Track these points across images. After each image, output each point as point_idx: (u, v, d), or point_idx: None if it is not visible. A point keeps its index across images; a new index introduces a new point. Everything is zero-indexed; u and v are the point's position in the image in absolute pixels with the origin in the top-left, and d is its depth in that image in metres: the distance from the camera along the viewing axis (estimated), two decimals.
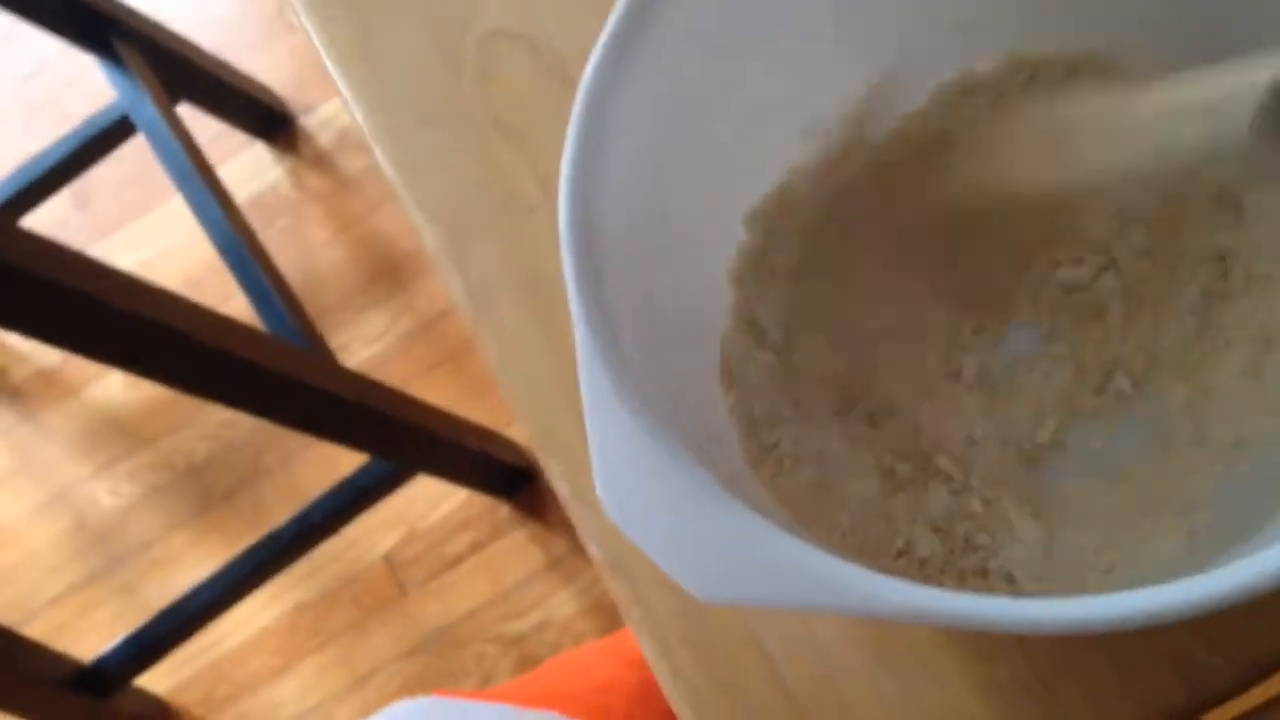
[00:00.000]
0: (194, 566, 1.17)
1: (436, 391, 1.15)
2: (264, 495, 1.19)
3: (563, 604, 1.09)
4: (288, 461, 1.19)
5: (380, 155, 0.45)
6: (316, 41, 0.47)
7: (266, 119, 1.32)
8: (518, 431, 1.10)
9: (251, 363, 0.85)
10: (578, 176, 0.29)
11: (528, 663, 1.07)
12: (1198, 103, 0.27)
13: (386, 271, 1.24)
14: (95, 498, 1.23)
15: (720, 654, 0.36)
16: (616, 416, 0.26)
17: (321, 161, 1.31)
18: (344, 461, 1.10)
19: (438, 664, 1.10)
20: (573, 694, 0.53)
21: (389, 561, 1.15)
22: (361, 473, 1.07)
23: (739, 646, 0.36)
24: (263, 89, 1.32)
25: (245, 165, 1.32)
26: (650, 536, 0.26)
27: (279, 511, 1.14)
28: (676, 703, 0.36)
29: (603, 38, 0.31)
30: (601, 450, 0.27)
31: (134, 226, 1.32)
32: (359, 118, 0.46)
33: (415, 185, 0.44)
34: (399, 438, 0.99)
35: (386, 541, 1.15)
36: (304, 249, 1.27)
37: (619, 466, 0.27)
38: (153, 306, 0.80)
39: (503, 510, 1.12)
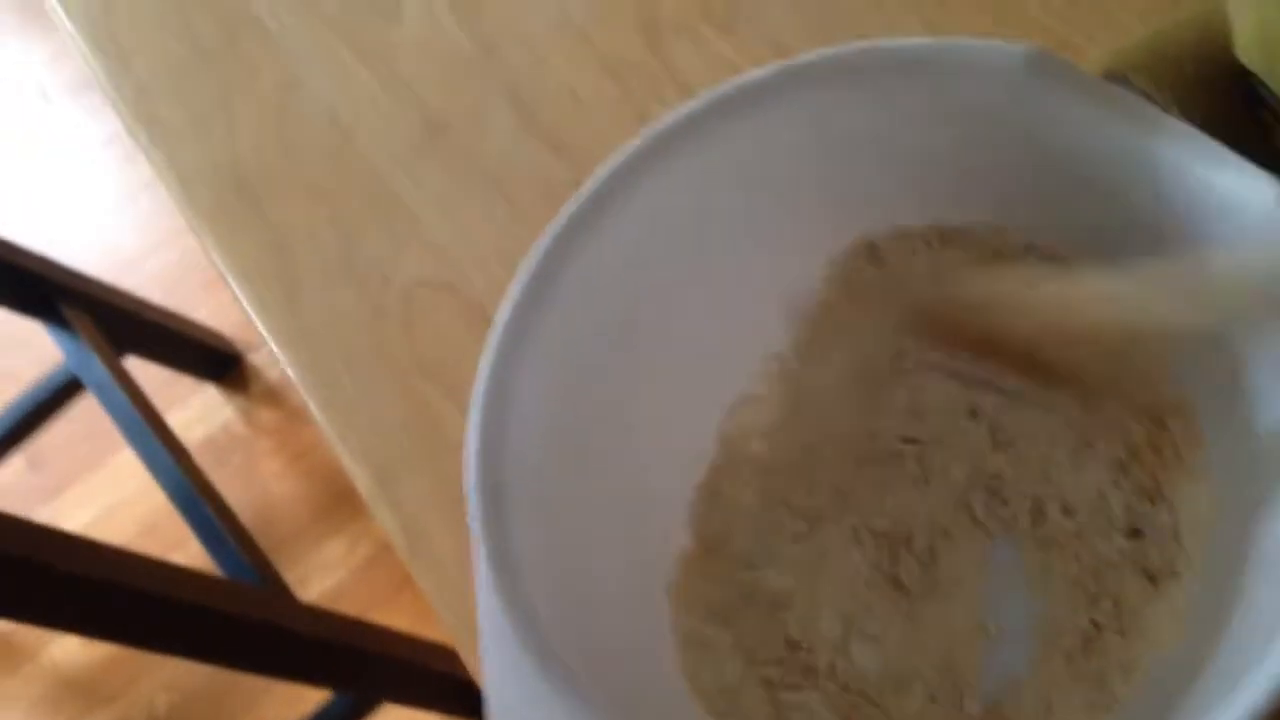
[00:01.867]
0: None
1: (402, 613, 1.14)
2: None
3: None
4: (251, 704, 1.17)
5: (311, 403, 0.47)
6: (245, 304, 0.49)
7: (215, 361, 1.35)
8: None
9: (206, 610, 0.85)
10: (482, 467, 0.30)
11: None
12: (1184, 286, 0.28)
13: (342, 496, 1.25)
14: None
15: None
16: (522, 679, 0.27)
17: (271, 395, 1.33)
18: (308, 698, 1.07)
19: None
20: None
21: None
22: (327, 709, 1.05)
23: None
24: (209, 333, 1.35)
25: (196, 408, 1.33)
26: None
27: None
28: None
29: (512, 291, 0.33)
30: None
31: (88, 481, 1.32)
32: (290, 372, 0.48)
33: (342, 428, 0.46)
34: (358, 669, 0.98)
35: None
36: (258, 484, 1.28)
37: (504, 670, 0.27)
38: (100, 566, 0.80)
39: None
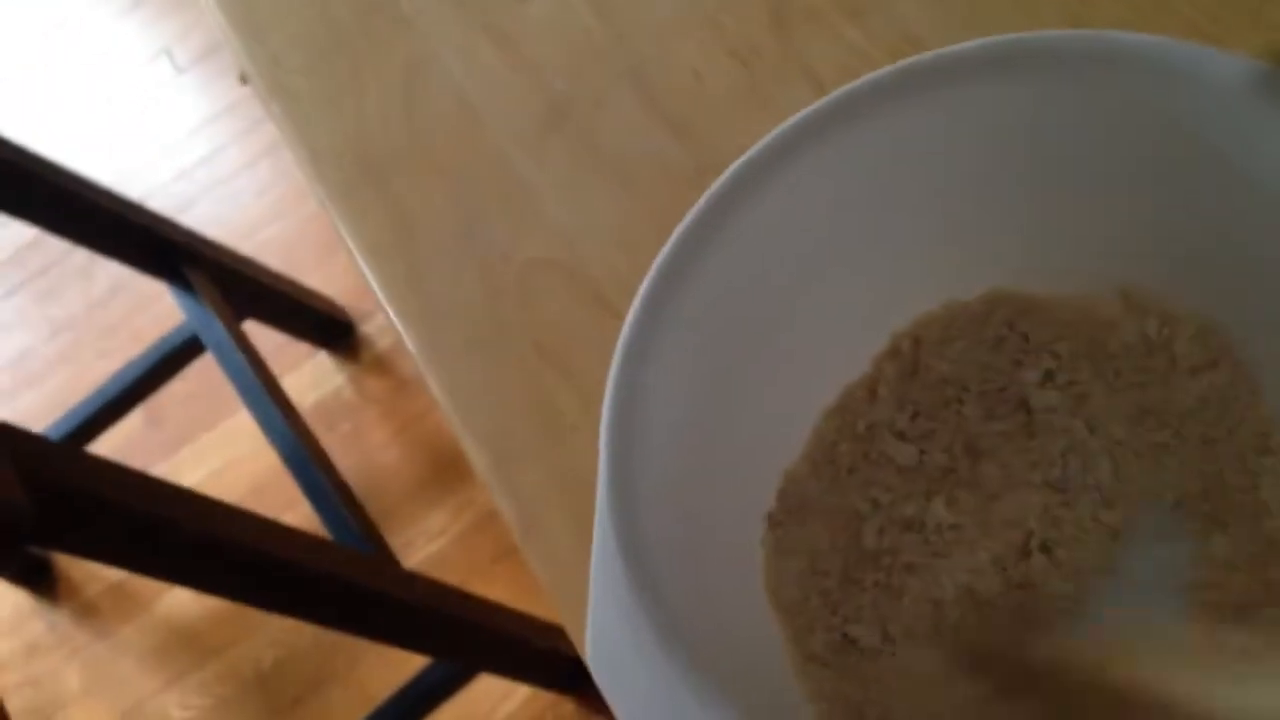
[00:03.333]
0: None
1: (500, 585, 1.16)
2: (331, 701, 1.19)
3: None
4: (353, 664, 1.20)
5: (432, 382, 0.48)
6: (371, 280, 0.50)
7: (328, 328, 1.38)
8: None
9: (314, 573, 0.87)
10: (617, 429, 0.30)
11: None
12: None
13: (447, 467, 1.27)
14: (165, 712, 1.24)
15: None
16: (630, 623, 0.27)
17: (380, 365, 1.35)
18: (410, 662, 1.10)
19: None
20: None
21: None
22: (427, 674, 1.07)
23: None
24: (324, 300, 1.38)
25: (308, 374, 1.37)
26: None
27: (347, 717, 1.14)
28: None
29: (649, 278, 0.33)
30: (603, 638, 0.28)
31: (203, 440, 1.37)
32: (410, 346, 0.48)
33: (463, 409, 0.46)
34: (463, 639, 0.99)
35: None
36: (366, 451, 1.31)
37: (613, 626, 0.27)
38: (214, 523, 0.82)
39: (567, 705, 1.12)
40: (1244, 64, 0.27)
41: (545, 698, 1.12)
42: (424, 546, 1.24)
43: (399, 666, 1.13)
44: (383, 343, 1.36)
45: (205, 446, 1.36)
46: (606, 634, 0.29)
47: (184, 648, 1.27)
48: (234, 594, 0.88)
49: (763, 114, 0.47)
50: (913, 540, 0.34)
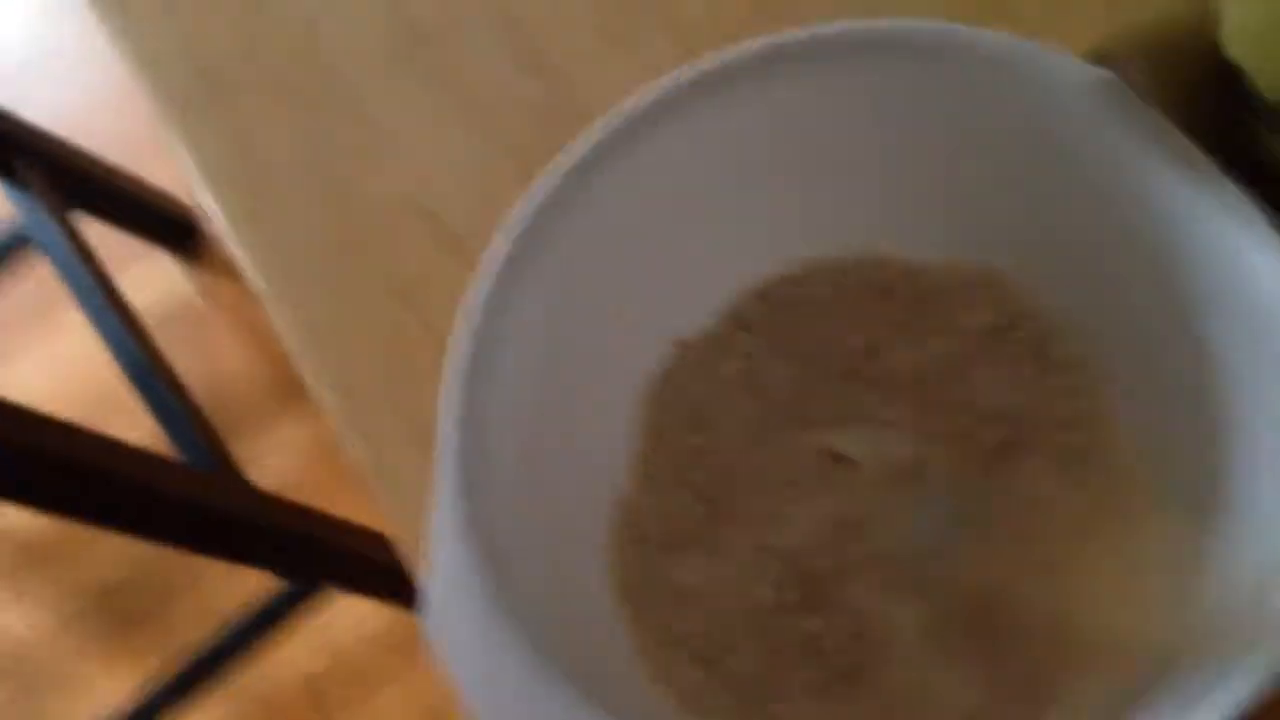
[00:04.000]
0: (109, 693, 1.14)
1: (356, 504, 1.14)
2: (178, 616, 1.17)
3: None
4: (200, 580, 1.17)
5: (276, 318, 0.46)
6: (212, 206, 0.48)
7: (171, 228, 1.32)
8: None
9: (153, 492, 0.84)
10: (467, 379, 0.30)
11: None
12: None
13: (299, 379, 1.24)
14: (5, 625, 1.20)
15: None
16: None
17: (229, 269, 1.31)
18: (260, 578, 1.08)
19: None
20: None
21: (309, 682, 1.13)
22: (278, 593, 1.06)
23: None
24: (167, 198, 1.32)
25: (151, 277, 1.31)
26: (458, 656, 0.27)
27: (194, 632, 1.12)
28: None
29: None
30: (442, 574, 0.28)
31: (35, 348, 1.30)
32: (254, 279, 0.46)
33: (310, 347, 0.45)
34: (314, 558, 0.98)
35: (306, 661, 1.13)
36: (214, 360, 1.26)
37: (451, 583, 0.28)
38: (41, 438, 0.79)
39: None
40: (1077, 66, 0.29)
41: (407, 618, 1.12)
42: (276, 460, 1.21)
43: (249, 582, 1.11)
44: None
45: (39, 355, 1.30)
46: (444, 599, 0.28)
47: (24, 560, 1.22)
48: (66, 513, 0.85)
49: (628, 56, 0.46)
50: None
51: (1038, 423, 0.33)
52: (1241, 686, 0.23)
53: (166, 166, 1.33)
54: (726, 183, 0.33)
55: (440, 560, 0.29)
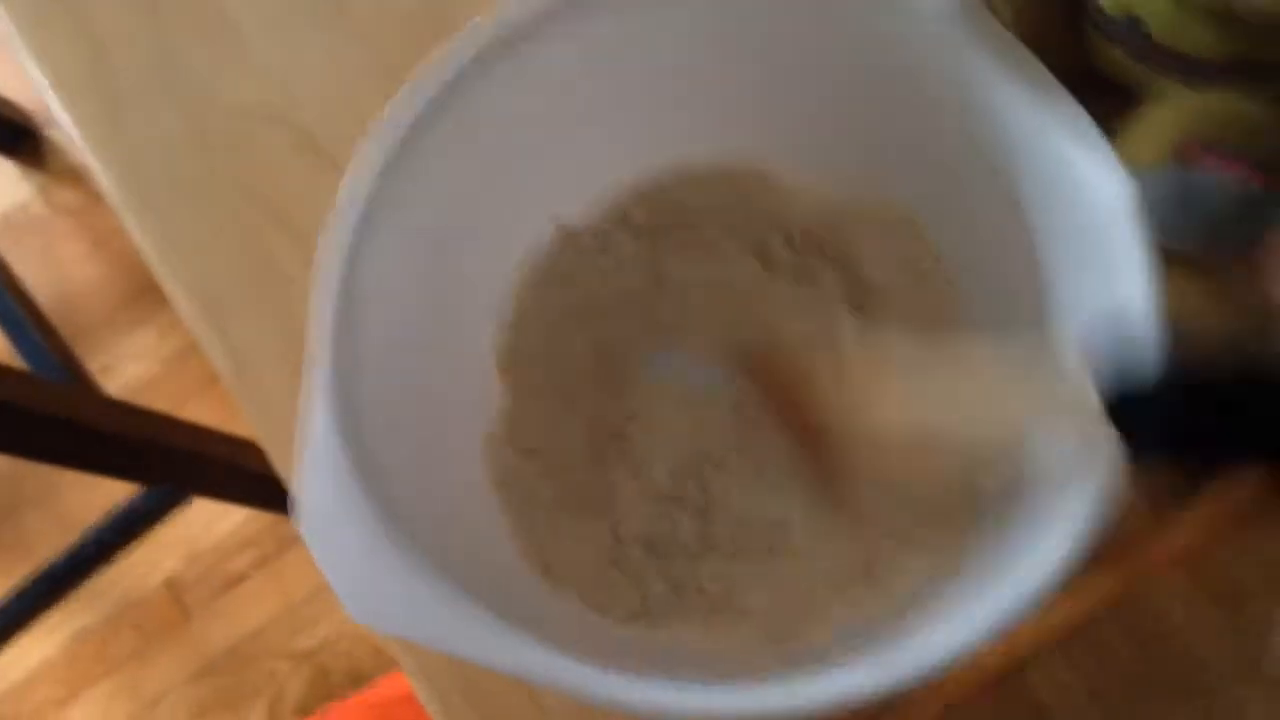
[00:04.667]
0: None
1: (214, 406, 1.13)
2: (31, 526, 1.15)
3: None
4: (52, 489, 1.15)
5: (132, 227, 0.46)
6: (59, 112, 0.47)
7: (10, 133, 1.26)
8: None
9: (2, 403, 0.82)
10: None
11: (320, 676, 1.08)
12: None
13: (152, 285, 1.21)
14: None
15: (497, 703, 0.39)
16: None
17: (72, 175, 1.26)
18: (116, 487, 1.07)
19: (227, 684, 1.10)
20: None
21: (170, 585, 1.13)
22: (134, 499, 1.05)
23: (513, 692, 0.39)
24: (5, 103, 1.26)
25: None
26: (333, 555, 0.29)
27: (49, 542, 1.11)
28: None
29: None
30: (313, 463, 0.30)
31: None
32: (110, 189, 0.46)
33: (168, 256, 0.45)
34: (169, 464, 0.97)
35: (166, 564, 1.13)
36: (60, 268, 1.23)
37: (324, 487, 0.30)
38: None
39: (286, 524, 1.12)
40: None
41: (264, 517, 1.12)
42: (128, 368, 1.19)
43: (103, 490, 1.10)
44: (74, 150, 1.26)
45: None
46: (318, 501, 0.30)
47: None
48: None
49: None
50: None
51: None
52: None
53: (3, 68, 1.27)
54: (607, 85, 0.35)
55: (313, 464, 0.30)
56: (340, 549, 0.29)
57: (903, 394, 0.31)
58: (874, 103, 0.35)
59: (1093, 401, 0.26)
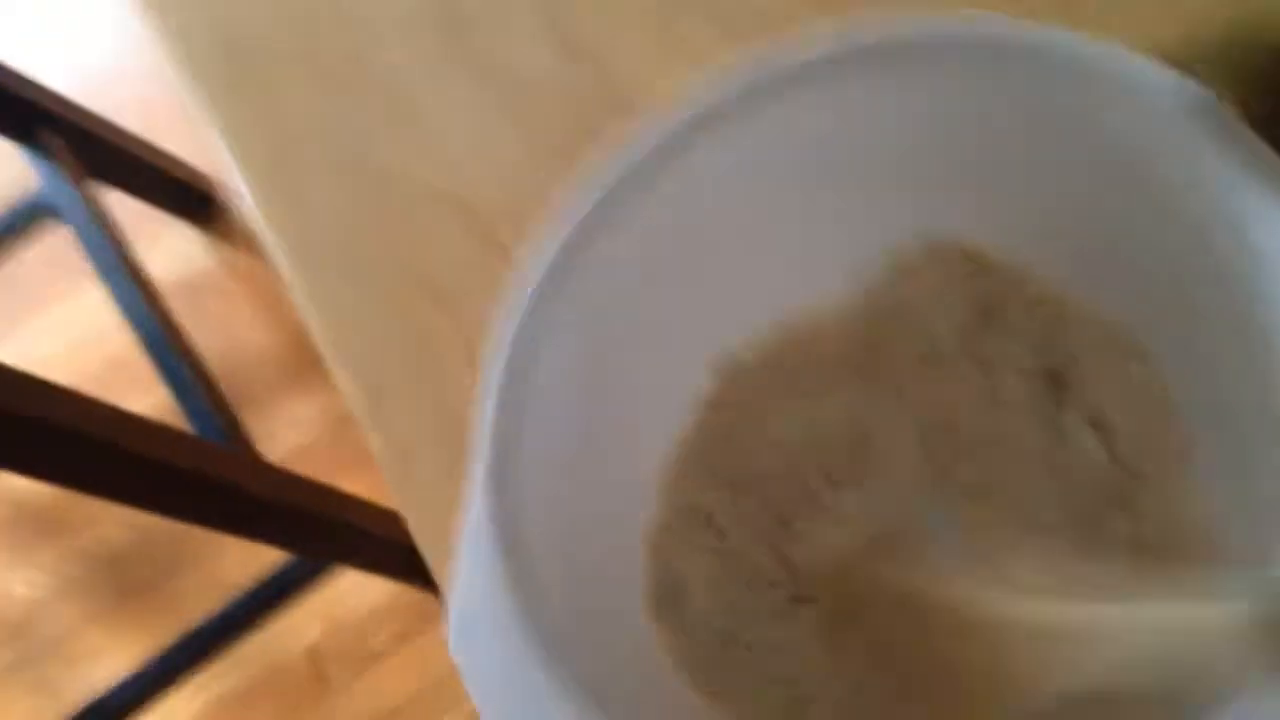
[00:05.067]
0: (112, 661, 1.14)
1: (367, 479, 1.14)
2: (183, 586, 1.17)
3: None
4: (209, 552, 1.17)
5: (302, 300, 0.45)
6: (247, 193, 0.47)
7: (190, 198, 1.31)
8: None
9: (162, 465, 0.83)
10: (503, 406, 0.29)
11: None
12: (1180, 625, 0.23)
13: (317, 356, 1.23)
14: (9, 590, 1.20)
15: None
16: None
17: (248, 240, 1.30)
18: (266, 551, 1.08)
19: None
20: None
21: (312, 655, 1.12)
22: (285, 566, 1.05)
23: None
24: (187, 168, 1.31)
25: (171, 247, 1.30)
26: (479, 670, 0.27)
27: (199, 603, 1.12)
28: None
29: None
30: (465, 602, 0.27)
31: (53, 314, 1.30)
32: (285, 265, 0.45)
33: (338, 338, 0.44)
34: (322, 534, 0.98)
35: (310, 633, 1.13)
36: (231, 332, 1.26)
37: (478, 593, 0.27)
38: (56, 409, 0.78)
39: (430, 600, 1.11)
40: (1176, 82, 0.27)
41: (408, 593, 1.12)
42: (289, 436, 1.20)
43: (255, 554, 1.11)
44: (252, 220, 1.30)
45: (54, 322, 1.29)
46: (471, 618, 0.28)
47: (28, 524, 1.22)
48: (76, 484, 0.85)
49: (668, 45, 0.45)
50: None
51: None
52: None
53: (186, 135, 1.32)
54: (790, 192, 0.32)
55: (467, 576, 0.28)
56: (490, 669, 0.26)
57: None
58: (1097, 205, 0.31)
59: None
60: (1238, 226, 0.27)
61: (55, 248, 1.23)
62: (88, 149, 1.18)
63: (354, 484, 1.04)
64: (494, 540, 0.28)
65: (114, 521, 1.20)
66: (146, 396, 1.10)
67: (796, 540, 0.33)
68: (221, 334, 1.25)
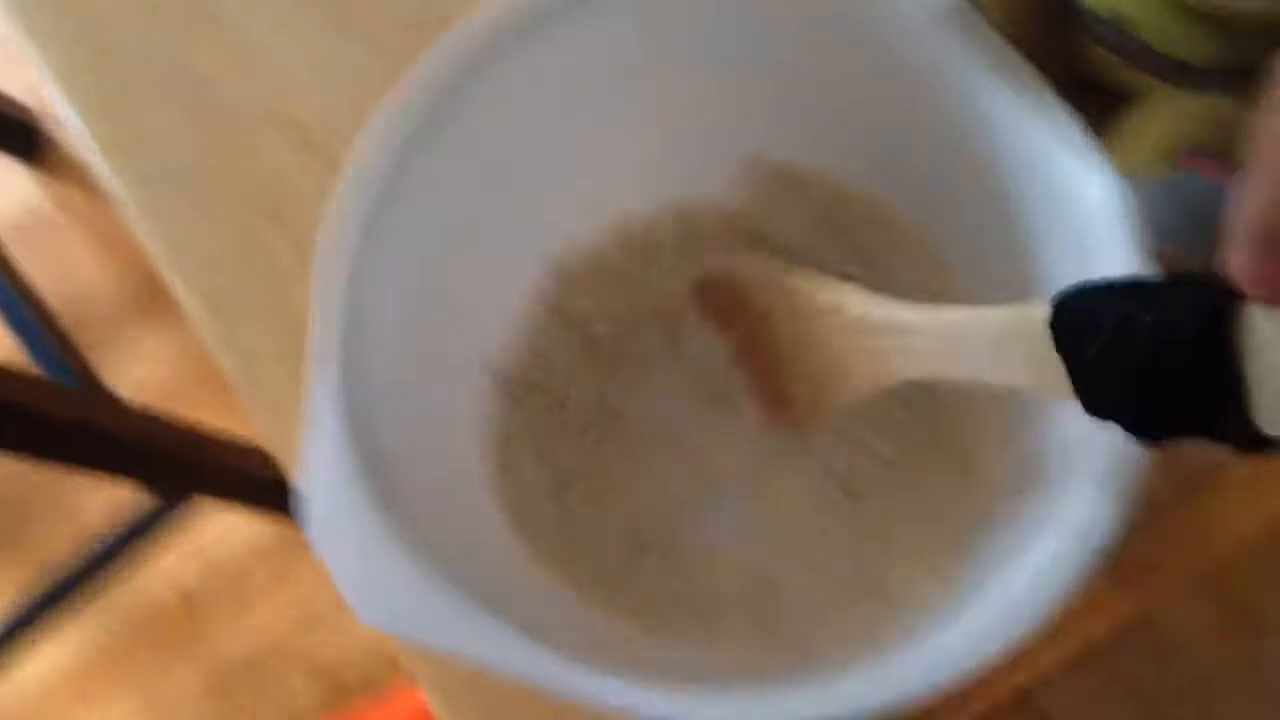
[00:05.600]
0: None
1: (226, 411, 1.13)
2: (43, 534, 1.15)
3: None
4: (66, 495, 1.15)
5: (140, 233, 0.45)
6: (66, 109, 0.47)
7: (15, 134, 1.26)
8: None
9: (14, 407, 0.82)
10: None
11: (340, 691, 1.07)
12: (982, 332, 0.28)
13: (161, 288, 1.21)
14: None
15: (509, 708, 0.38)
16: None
17: (80, 176, 1.26)
18: (128, 493, 1.07)
19: (246, 699, 1.09)
20: None
21: (188, 598, 1.12)
22: (148, 507, 1.05)
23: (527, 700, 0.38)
24: (7, 101, 1.26)
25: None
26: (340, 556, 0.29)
27: (63, 548, 1.11)
28: None
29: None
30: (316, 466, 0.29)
31: None
32: (118, 190, 0.46)
33: (176, 260, 0.45)
34: (184, 470, 0.97)
35: (185, 577, 1.13)
36: (71, 271, 1.22)
37: (331, 487, 0.29)
38: None
39: (299, 533, 1.11)
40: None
41: (280, 526, 1.12)
42: (141, 372, 1.18)
43: (117, 495, 1.10)
44: (80, 151, 1.25)
45: None
46: (326, 506, 0.30)
47: None
48: None
49: None
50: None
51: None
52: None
53: (4, 68, 1.27)
54: (600, 98, 0.34)
55: (320, 466, 0.30)
56: (347, 549, 0.28)
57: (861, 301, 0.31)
58: (871, 102, 0.35)
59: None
60: (979, 111, 0.31)
61: None
62: None
63: (210, 417, 1.03)
64: (340, 426, 0.29)
65: None
66: None
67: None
68: (62, 273, 1.22)
